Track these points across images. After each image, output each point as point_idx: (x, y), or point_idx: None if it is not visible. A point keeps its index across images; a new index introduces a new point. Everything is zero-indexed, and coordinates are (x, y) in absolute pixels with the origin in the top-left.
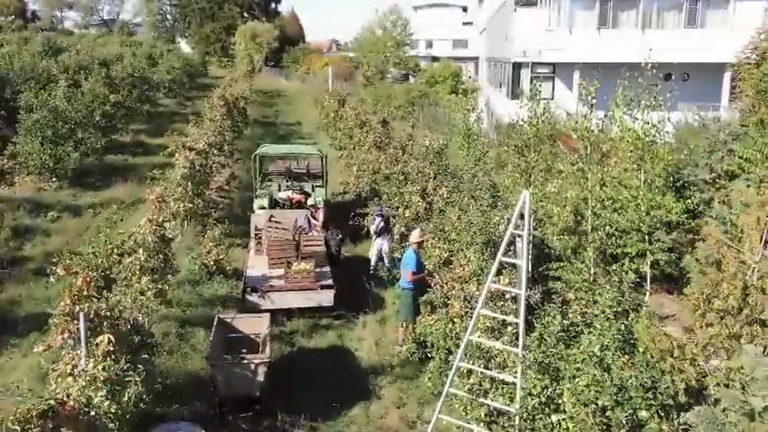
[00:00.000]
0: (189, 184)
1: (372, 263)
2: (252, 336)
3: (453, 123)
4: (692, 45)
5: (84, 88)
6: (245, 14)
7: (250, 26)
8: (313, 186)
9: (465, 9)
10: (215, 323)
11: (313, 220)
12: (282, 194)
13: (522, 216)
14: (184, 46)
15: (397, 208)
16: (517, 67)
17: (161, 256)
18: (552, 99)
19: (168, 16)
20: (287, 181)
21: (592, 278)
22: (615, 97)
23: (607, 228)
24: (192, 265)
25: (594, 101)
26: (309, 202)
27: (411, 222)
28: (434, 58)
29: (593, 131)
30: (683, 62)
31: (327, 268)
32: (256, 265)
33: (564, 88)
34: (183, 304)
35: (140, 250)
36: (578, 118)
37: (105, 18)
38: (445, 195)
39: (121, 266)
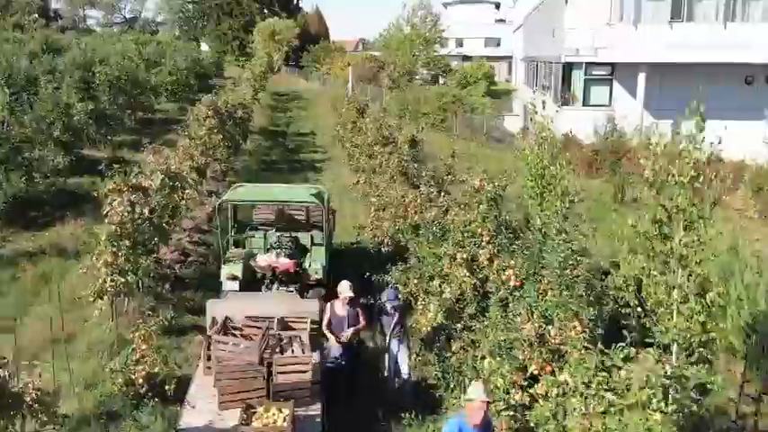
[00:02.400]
0: (126, 243)
1: (390, 377)
2: None
3: (517, 152)
4: None
5: (43, 94)
6: (265, 11)
7: (269, 23)
8: (312, 241)
9: (498, 6)
10: None
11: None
12: (261, 260)
13: None
14: (205, 45)
15: (429, 281)
16: (568, 67)
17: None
18: (609, 106)
19: (188, 14)
20: (276, 235)
21: None
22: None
23: None
24: (112, 383)
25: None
26: (309, 267)
27: (449, 311)
28: (465, 58)
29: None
30: None
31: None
32: (202, 399)
33: (624, 93)
34: None
35: None
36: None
37: (128, 17)
38: (513, 279)
39: None
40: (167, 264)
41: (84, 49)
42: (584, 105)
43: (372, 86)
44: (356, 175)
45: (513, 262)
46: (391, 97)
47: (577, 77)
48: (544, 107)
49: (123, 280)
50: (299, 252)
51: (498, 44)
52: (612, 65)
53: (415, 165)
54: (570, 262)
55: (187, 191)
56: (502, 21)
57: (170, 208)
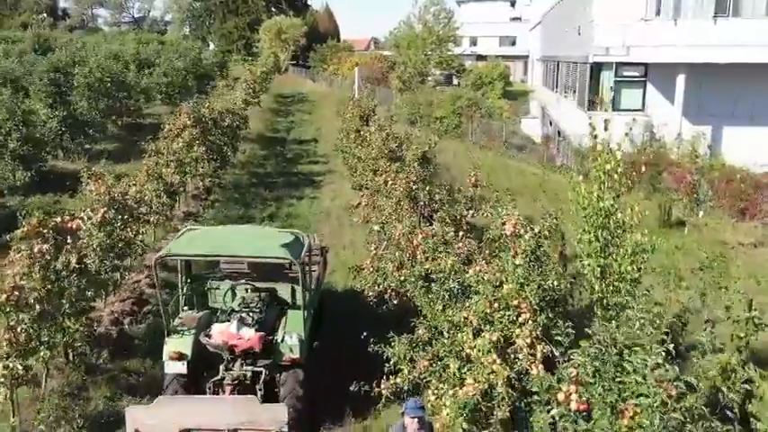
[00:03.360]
0: (29, 314)
1: None
2: None
3: (574, 172)
4: None
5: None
6: (272, 9)
7: (275, 21)
8: (293, 298)
9: (513, 3)
10: None
11: None
12: (216, 333)
13: None
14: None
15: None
16: (596, 68)
17: None
18: (642, 110)
19: (195, 13)
20: (245, 289)
21: None
22: None
23: None
24: None
25: None
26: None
27: None
28: (479, 57)
29: None
30: None
31: None
32: None
33: (659, 97)
34: None
35: None
36: None
37: (136, 16)
38: (574, 400)
39: None
40: (114, 319)
41: (69, 50)
42: (613, 110)
43: (381, 88)
44: (358, 194)
45: (572, 370)
46: (401, 100)
47: (606, 79)
48: (564, 109)
49: (25, 364)
50: (273, 313)
51: (513, 43)
52: (646, 65)
53: (427, 189)
54: (667, 377)
55: (151, 218)
56: (517, 19)
57: (118, 247)
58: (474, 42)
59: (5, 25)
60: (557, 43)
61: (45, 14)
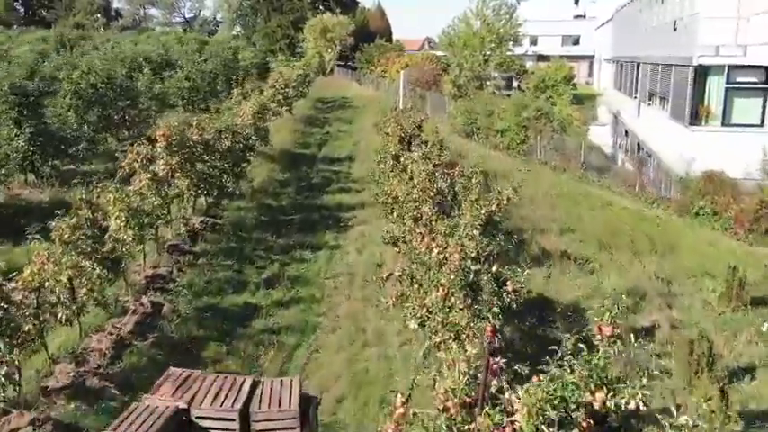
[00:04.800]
0: None
1: None
2: None
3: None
4: None
5: None
6: (319, 6)
7: (320, 19)
8: None
9: (576, 1)
10: None
11: None
12: None
13: None
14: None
15: None
16: (701, 71)
17: None
18: (761, 125)
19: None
20: None
21: None
22: None
23: None
24: None
25: None
26: None
27: None
28: (540, 57)
29: None
30: None
31: None
32: None
33: None
34: None
35: None
36: None
37: (187, 16)
38: None
39: None
40: None
41: (71, 52)
42: (723, 125)
43: (433, 93)
44: (392, 250)
45: None
46: (455, 108)
47: (714, 85)
48: (648, 120)
49: None
50: None
51: (577, 42)
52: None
53: (493, 272)
54: None
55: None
56: (581, 16)
57: None
58: (534, 42)
59: (60, 26)
60: (636, 42)
61: (99, 15)
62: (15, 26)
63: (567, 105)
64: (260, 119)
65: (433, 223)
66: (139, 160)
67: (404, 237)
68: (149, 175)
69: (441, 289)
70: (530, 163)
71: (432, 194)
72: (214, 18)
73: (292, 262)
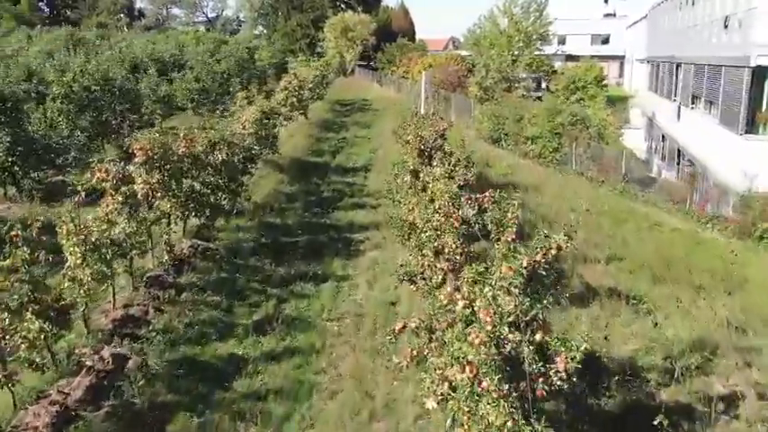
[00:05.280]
0: None
1: None
2: None
3: None
4: None
5: None
6: (341, 5)
7: (341, 18)
8: None
9: None
10: None
11: None
12: None
13: None
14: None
15: None
16: (759, 73)
17: None
18: None
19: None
20: None
21: None
22: None
23: None
24: None
25: None
26: None
27: None
28: (569, 57)
29: None
30: None
31: None
32: None
33: None
34: None
35: None
36: None
37: (210, 16)
38: None
39: None
40: None
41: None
42: None
43: (458, 95)
44: (408, 288)
45: None
46: (481, 112)
47: None
48: (692, 126)
49: None
50: None
51: (606, 41)
52: None
53: (542, 362)
54: None
55: None
56: (611, 15)
57: None
58: (562, 41)
59: (84, 25)
60: (676, 40)
61: (122, 15)
62: (39, 26)
63: (602, 108)
64: (264, 126)
65: (458, 258)
66: (110, 180)
67: (422, 272)
68: (121, 198)
69: (468, 367)
70: (564, 173)
71: (456, 223)
72: (237, 17)
73: (291, 298)
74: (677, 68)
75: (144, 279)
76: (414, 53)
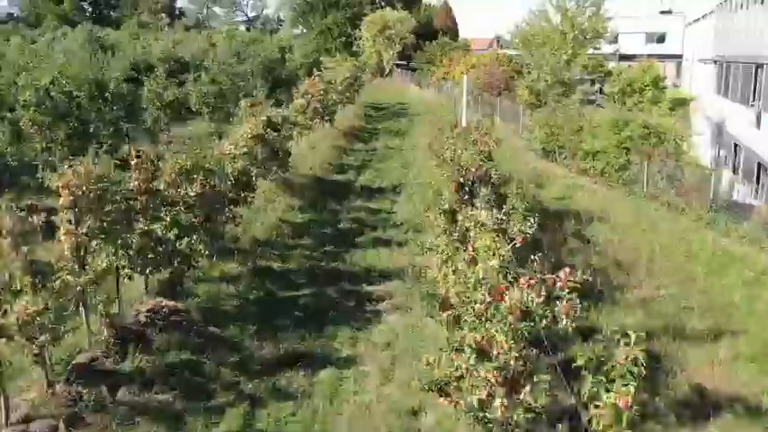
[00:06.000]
0: None
1: None
2: None
3: None
4: None
5: None
6: (378, 1)
7: (379, 15)
8: None
9: None
10: None
11: None
12: None
13: None
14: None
15: None
16: None
17: None
18: None
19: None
20: None
21: None
22: None
23: None
24: None
25: None
26: None
27: None
28: (622, 57)
29: None
30: None
31: None
32: None
33: None
34: None
35: None
36: None
37: (250, 15)
38: None
39: None
40: None
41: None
42: None
43: (504, 99)
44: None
45: None
46: (533, 120)
47: None
48: None
49: None
50: None
51: (662, 40)
52: None
53: None
54: None
55: None
56: (667, 12)
57: None
58: (614, 39)
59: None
60: (757, 39)
61: (164, 14)
62: (80, 25)
63: (667, 115)
64: (271, 140)
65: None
66: (5, 234)
67: (457, 381)
68: (21, 265)
69: None
70: (634, 197)
71: (511, 317)
72: (277, 16)
73: (271, 400)
74: (757, 70)
75: (71, 367)
76: (456, 52)
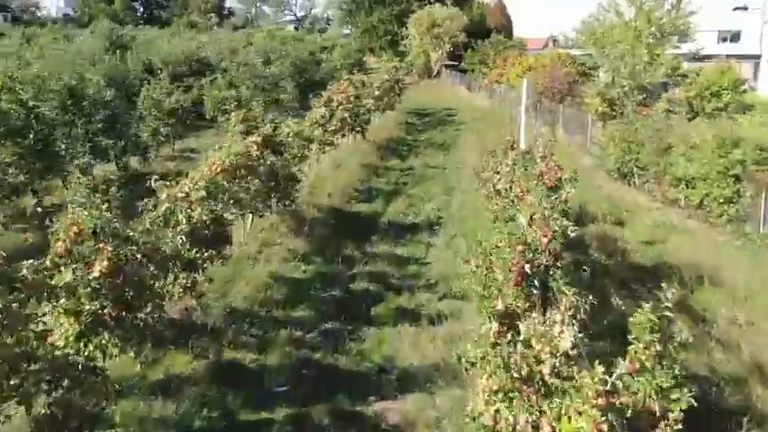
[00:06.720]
0: None
1: None
2: None
3: None
4: None
5: None
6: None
7: (427, 12)
8: None
9: None
10: None
11: None
12: None
13: None
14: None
15: None
16: None
17: None
18: None
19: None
20: None
21: None
22: None
23: None
24: None
25: None
26: None
27: None
28: (696, 57)
29: None
30: None
31: None
32: None
33: None
34: None
35: None
36: None
37: (298, 14)
38: None
39: None
40: None
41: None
42: None
43: (567, 106)
44: None
45: None
46: (606, 135)
47: None
48: None
49: None
50: None
51: (737, 38)
52: None
53: None
54: None
55: None
56: (742, 8)
57: None
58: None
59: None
60: None
61: (213, 14)
62: (131, 25)
63: (759, 125)
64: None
65: None
66: None
67: None
68: None
69: None
70: (748, 242)
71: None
72: (326, 16)
73: None
74: None
75: None
76: (510, 52)
